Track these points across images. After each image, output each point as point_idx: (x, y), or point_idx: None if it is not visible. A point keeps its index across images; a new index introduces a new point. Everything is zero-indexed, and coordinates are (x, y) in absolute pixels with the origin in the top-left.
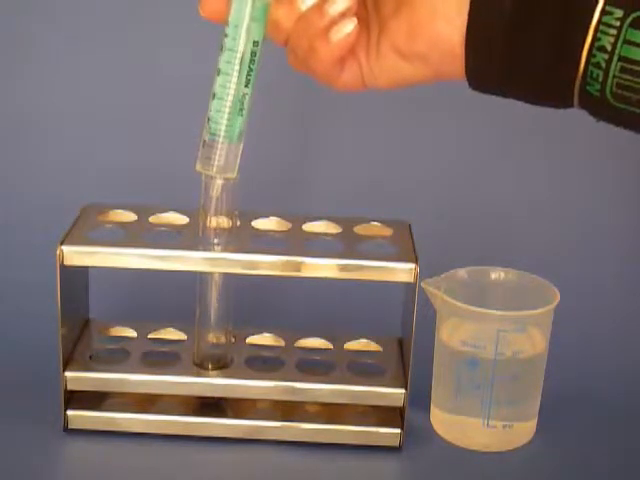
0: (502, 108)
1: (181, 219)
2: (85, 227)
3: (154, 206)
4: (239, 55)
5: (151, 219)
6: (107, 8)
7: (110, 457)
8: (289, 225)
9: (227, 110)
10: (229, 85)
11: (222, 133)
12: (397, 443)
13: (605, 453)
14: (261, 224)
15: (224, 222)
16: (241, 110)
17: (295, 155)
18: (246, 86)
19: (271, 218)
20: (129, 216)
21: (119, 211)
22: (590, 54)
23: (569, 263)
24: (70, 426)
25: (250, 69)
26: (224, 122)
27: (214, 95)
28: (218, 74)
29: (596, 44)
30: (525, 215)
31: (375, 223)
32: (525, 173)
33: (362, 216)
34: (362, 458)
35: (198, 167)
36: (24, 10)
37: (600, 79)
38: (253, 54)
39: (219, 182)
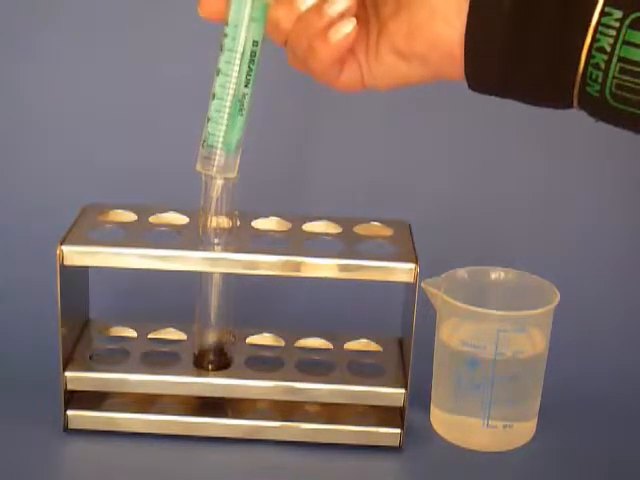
0: (503, 108)
1: (181, 219)
2: (85, 227)
3: (154, 206)
4: (239, 55)
5: (151, 219)
6: (107, 8)
7: (110, 457)
8: (289, 225)
9: (227, 110)
10: (229, 85)
11: (222, 134)
12: (397, 443)
13: (605, 453)
14: (261, 224)
15: (224, 222)
16: (241, 110)
17: (295, 155)
18: (246, 86)
19: (271, 218)
20: (129, 216)
21: (119, 211)
22: (589, 55)
23: (569, 263)
24: (70, 426)
25: (250, 69)
26: (224, 122)
27: (214, 95)
28: (218, 74)
29: (595, 45)
30: (525, 215)
31: (375, 223)
32: (525, 173)
33: (362, 216)
34: (362, 458)
35: (198, 167)
36: (24, 10)
37: (599, 80)
38: (253, 54)
39: (219, 182)
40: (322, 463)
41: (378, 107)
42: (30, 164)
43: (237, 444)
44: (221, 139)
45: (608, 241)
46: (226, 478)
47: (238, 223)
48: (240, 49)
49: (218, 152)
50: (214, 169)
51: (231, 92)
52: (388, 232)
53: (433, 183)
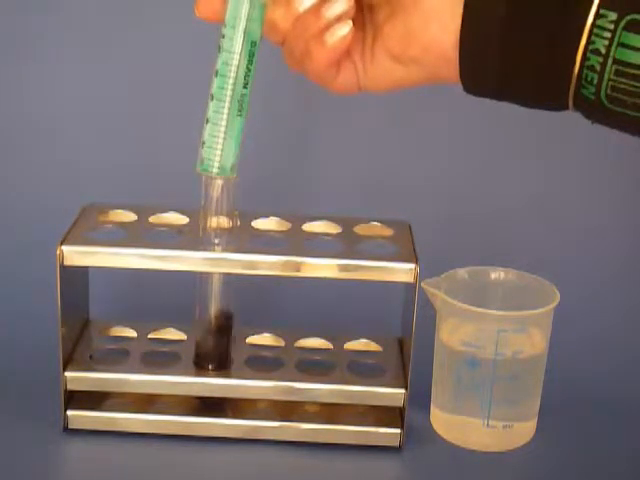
0: (503, 108)
1: (181, 219)
2: (85, 227)
3: (154, 206)
4: (236, 56)
5: (151, 219)
6: (108, 8)
7: (110, 457)
8: (289, 225)
9: (226, 111)
10: (227, 86)
11: (221, 135)
12: (397, 443)
13: (605, 453)
14: (261, 224)
15: (224, 222)
16: (240, 111)
17: (295, 155)
18: (244, 87)
19: (271, 218)
20: (129, 216)
21: (119, 211)
22: (584, 57)
23: (569, 263)
24: (70, 426)
25: (248, 70)
26: (223, 124)
27: (212, 96)
28: (216, 75)
29: (590, 47)
30: (525, 215)
31: (375, 223)
32: (525, 173)
33: (362, 216)
34: (362, 458)
35: (199, 168)
36: (24, 10)
37: (595, 82)
38: (251, 54)
39: (219, 182)
40: (322, 463)
41: (378, 107)
42: (30, 164)
43: (237, 444)
44: (220, 140)
45: (608, 241)
46: (226, 478)
47: (238, 223)
48: (238, 50)
49: (218, 153)
50: (214, 171)
51: (229, 93)
52: (388, 232)
53: (433, 183)
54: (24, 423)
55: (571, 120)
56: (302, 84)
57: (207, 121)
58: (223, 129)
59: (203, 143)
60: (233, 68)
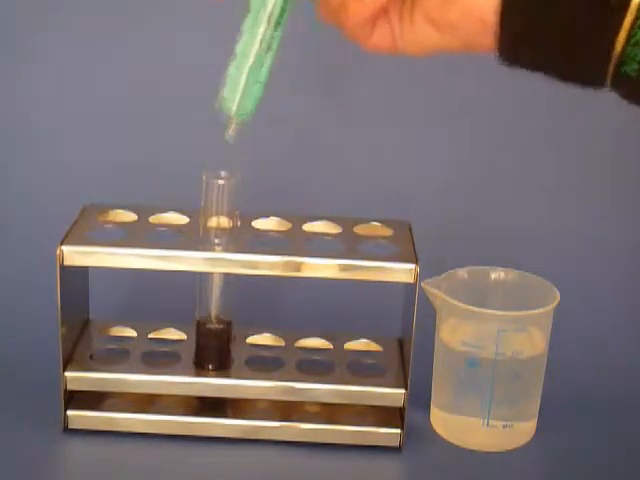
0: (502, 109)
1: (181, 219)
2: (85, 227)
3: (154, 206)
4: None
5: (151, 219)
6: (108, 8)
7: (110, 457)
8: (289, 225)
9: (255, 48)
10: (260, 23)
11: (246, 70)
12: (397, 443)
13: (605, 453)
14: (261, 224)
15: (224, 222)
16: (269, 50)
17: (295, 155)
18: (276, 29)
19: (271, 218)
20: (129, 216)
21: (119, 211)
22: (630, 34)
23: (569, 263)
24: (70, 426)
25: (283, 10)
26: (250, 60)
27: (243, 33)
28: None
29: (638, 23)
30: (525, 215)
31: (375, 223)
32: (525, 173)
33: (362, 216)
34: (362, 458)
35: (218, 105)
36: (24, 10)
37: (639, 59)
38: (283, 10)
39: (220, 182)
40: (322, 463)
41: (378, 107)
42: (30, 164)
43: (237, 444)
44: (244, 77)
45: (608, 241)
46: (226, 478)
47: (238, 223)
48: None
49: (239, 93)
50: (234, 108)
51: (261, 30)
52: (388, 232)
53: (433, 183)
54: (24, 423)
55: (571, 120)
56: (304, 84)
57: (234, 57)
58: (249, 65)
59: (226, 81)
60: (264, 17)
